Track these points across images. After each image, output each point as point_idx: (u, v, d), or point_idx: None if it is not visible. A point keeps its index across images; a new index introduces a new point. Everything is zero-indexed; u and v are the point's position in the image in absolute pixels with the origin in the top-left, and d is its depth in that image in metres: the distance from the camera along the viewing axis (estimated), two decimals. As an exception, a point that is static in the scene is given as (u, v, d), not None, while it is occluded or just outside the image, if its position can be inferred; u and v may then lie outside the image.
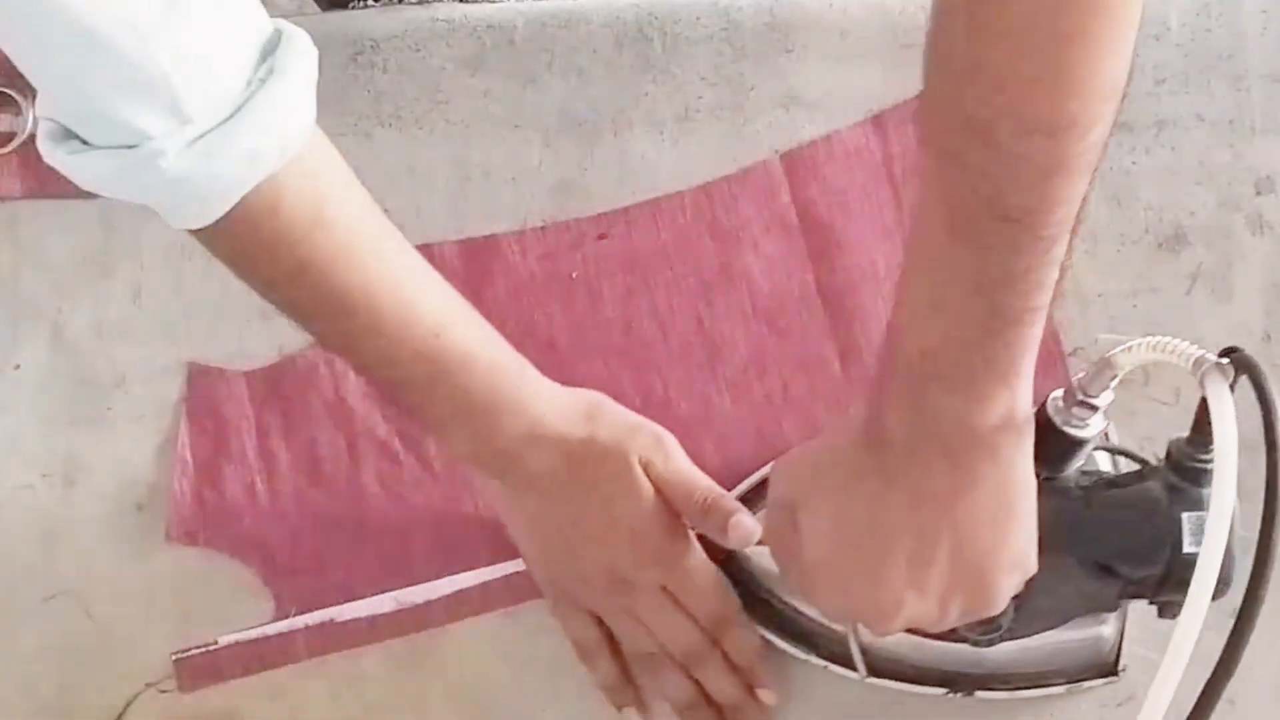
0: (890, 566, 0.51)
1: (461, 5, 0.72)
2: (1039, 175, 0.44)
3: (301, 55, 0.50)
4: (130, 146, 0.47)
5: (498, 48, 0.70)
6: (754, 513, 0.61)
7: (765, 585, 0.63)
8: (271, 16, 0.56)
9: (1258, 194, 0.67)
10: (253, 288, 0.55)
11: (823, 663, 0.63)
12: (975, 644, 0.58)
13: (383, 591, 0.66)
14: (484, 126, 0.70)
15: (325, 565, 0.66)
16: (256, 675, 0.65)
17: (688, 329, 0.67)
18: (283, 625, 0.65)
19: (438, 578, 0.66)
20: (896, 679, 0.63)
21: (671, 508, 0.61)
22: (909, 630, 0.54)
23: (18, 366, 0.68)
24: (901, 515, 0.51)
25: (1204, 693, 0.46)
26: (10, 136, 0.69)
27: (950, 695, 0.62)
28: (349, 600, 0.66)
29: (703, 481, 0.62)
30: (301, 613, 0.65)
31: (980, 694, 0.62)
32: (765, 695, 0.63)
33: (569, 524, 0.61)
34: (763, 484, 0.62)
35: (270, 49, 0.50)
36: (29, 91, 0.69)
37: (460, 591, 0.66)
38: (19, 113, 0.69)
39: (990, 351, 0.48)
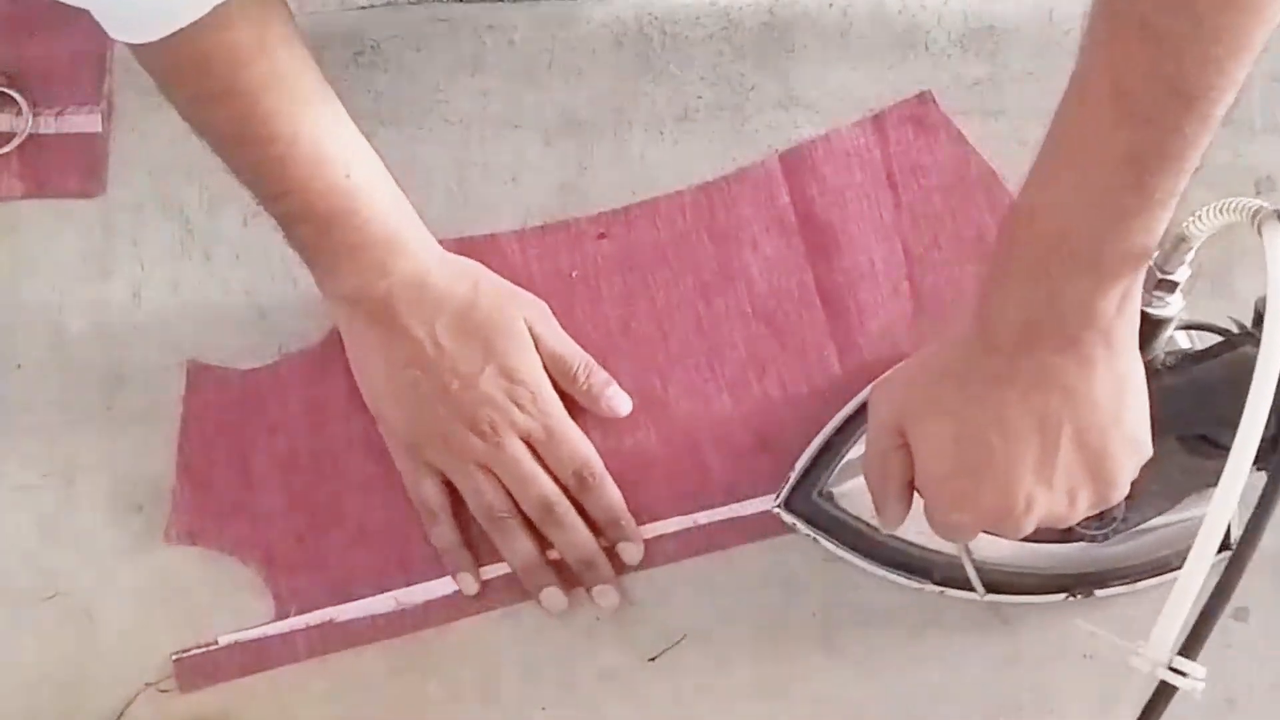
0: (1019, 465, 0.51)
1: (461, 5, 0.72)
2: (1225, 52, 0.44)
3: None
4: None
5: (498, 48, 0.70)
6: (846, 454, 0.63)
7: (865, 521, 0.63)
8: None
9: (1258, 194, 0.67)
10: (175, 103, 0.58)
11: (937, 589, 0.63)
12: (1092, 539, 0.57)
13: (383, 591, 0.66)
14: (484, 126, 0.70)
15: (325, 565, 0.66)
16: (256, 675, 0.65)
17: (687, 329, 0.67)
18: (282, 625, 0.65)
19: (438, 578, 0.66)
20: (1015, 593, 0.62)
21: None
22: (1023, 539, 0.53)
23: (18, 366, 0.69)
24: (1023, 410, 0.51)
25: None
26: (10, 136, 0.69)
27: (1071, 598, 0.62)
28: (349, 600, 0.66)
29: (580, 352, 0.65)
30: (301, 613, 0.66)
31: (1100, 592, 0.62)
32: (629, 550, 0.64)
33: (446, 370, 0.62)
34: (850, 420, 0.64)
35: None
36: (29, 91, 0.70)
37: (460, 591, 0.66)
38: (19, 113, 0.69)
39: (1128, 233, 0.48)
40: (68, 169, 0.69)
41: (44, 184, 0.69)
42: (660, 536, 0.66)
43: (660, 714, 0.65)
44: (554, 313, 0.67)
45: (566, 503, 0.64)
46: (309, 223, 0.60)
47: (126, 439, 0.68)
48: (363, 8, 0.72)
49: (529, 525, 0.64)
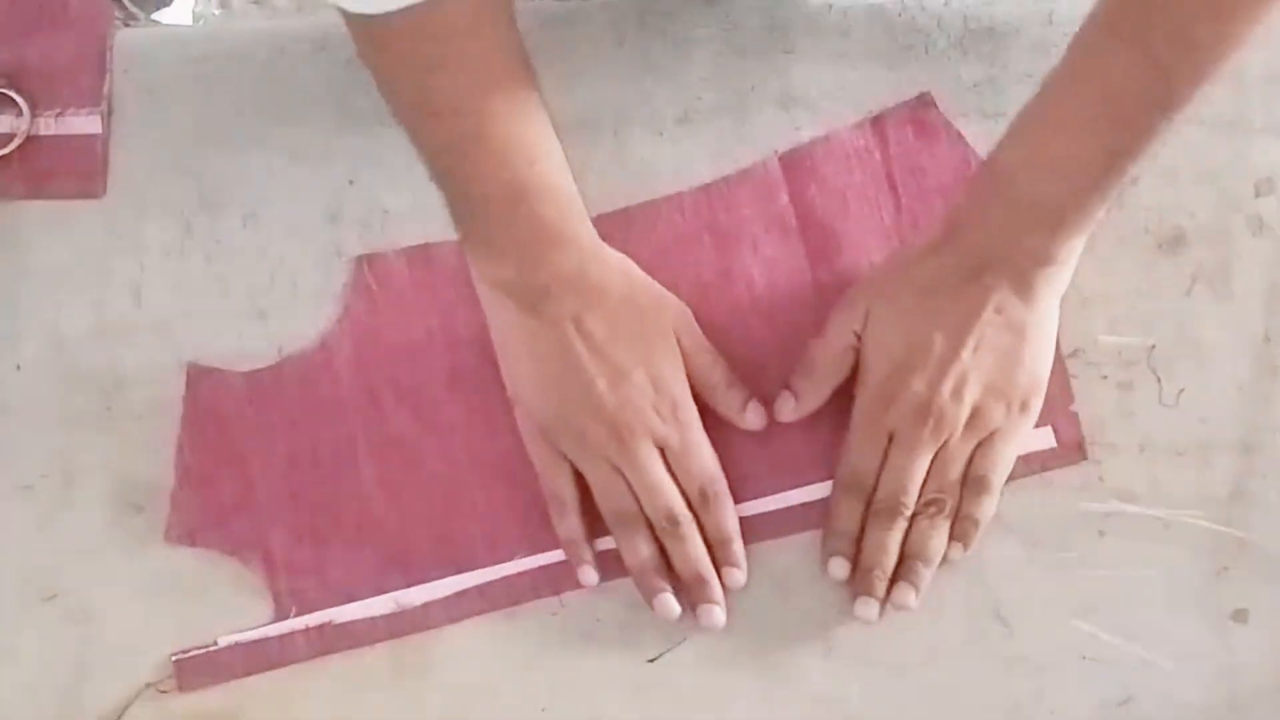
0: (950, 365, 0.61)
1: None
2: (1210, 75, 0.53)
3: None
4: None
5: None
6: None
7: None
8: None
9: (1258, 195, 0.67)
10: (378, 71, 0.58)
11: None
12: None
13: (382, 592, 0.66)
14: (484, 127, 0.70)
15: (325, 565, 0.66)
16: (256, 675, 0.65)
17: (687, 329, 0.67)
18: (283, 626, 0.66)
19: (438, 578, 0.66)
20: None
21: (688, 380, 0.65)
22: None
23: (18, 366, 0.69)
24: (966, 323, 0.61)
25: None
26: (10, 137, 0.69)
27: None
28: (349, 601, 0.66)
29: (722, 364, 0.65)
30: (301, 613, 0.66)
31: None
32: (732, 575, 0.64)
33: (593, 367, 0.62)
34: None
35: None
36: (29, 92, 0.69)
37: (460, 592, 0.66)
38: (19, 113, 0.69)
39: (1092, 203, 0.57)
40: (68, 170, 0.69)
41: (44, 185, 0.69)
42: (660, 537, 0.66)
43: (660, 714, 0.65)
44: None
45: (690, 518, 0.64)
46: (486, 208, 0.60)
47: (126, 439, 0.68)
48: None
49: (650, 529, 0.64)
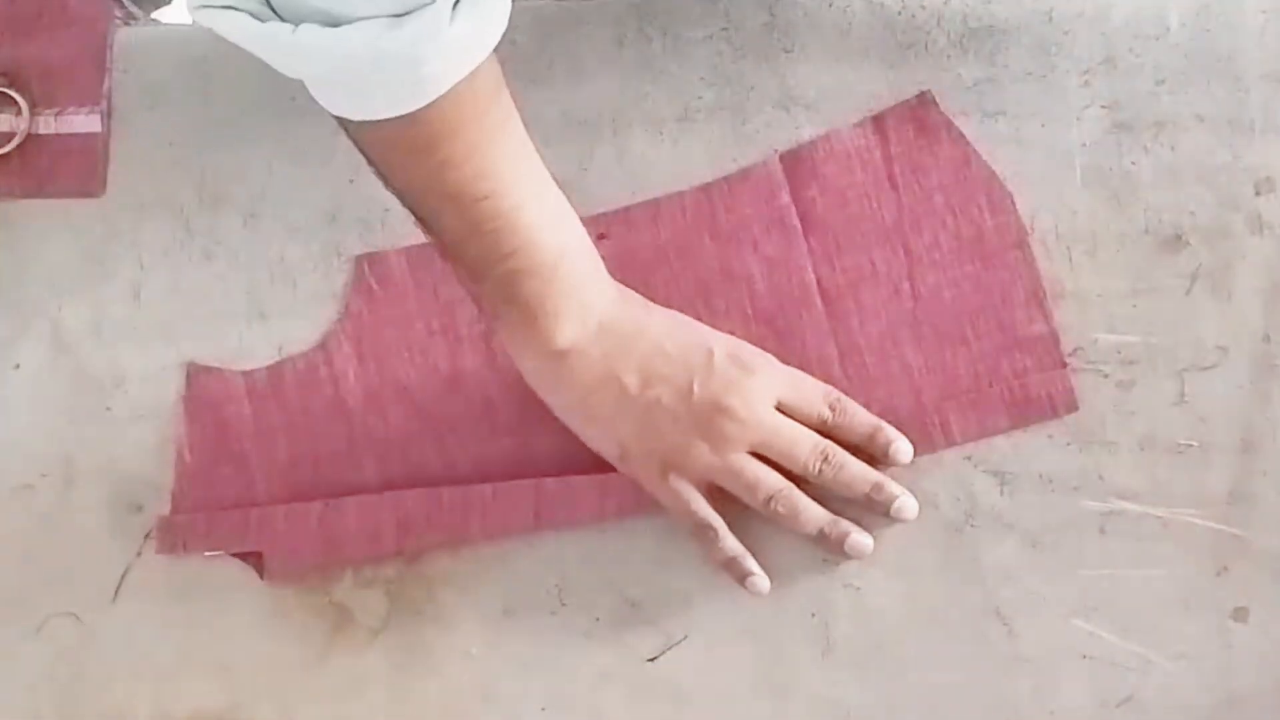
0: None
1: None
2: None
3: None
4: (408, 12, 0.48)
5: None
6: None
7: None
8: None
9: (1257, 194, 0.67)
10: (406, 177, 0.56)
11: None
12: None
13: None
14: (484, 126, 0.70)
15: (325, 567, 0.66)
16: (256, 674, 0.65)
17: (687, 329, 0.67)
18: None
19: (438, 578, 0.66)
20: None
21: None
22: None
23: (18, 366, 0.69)
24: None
25: None
26: (10, 136, 0.69)
27: None
28: (349, 600, 0.66)
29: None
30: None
31: None
32: (899, 449, 0.64)
33: (681, 375, 0.62)
34: None
35: None
36: (29, 91, 0.69)
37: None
38: (19, 113, 0.69)
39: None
40: (68, 169, 0.69)
41: (44, 184, 0.69)
42: (660, 537, 0.66)
43: (660, 714, 0.65)
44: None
45: (828, 442, 0.63)
46: (536, 274, 0.59)
47: (126, 439, 0.68)
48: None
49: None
